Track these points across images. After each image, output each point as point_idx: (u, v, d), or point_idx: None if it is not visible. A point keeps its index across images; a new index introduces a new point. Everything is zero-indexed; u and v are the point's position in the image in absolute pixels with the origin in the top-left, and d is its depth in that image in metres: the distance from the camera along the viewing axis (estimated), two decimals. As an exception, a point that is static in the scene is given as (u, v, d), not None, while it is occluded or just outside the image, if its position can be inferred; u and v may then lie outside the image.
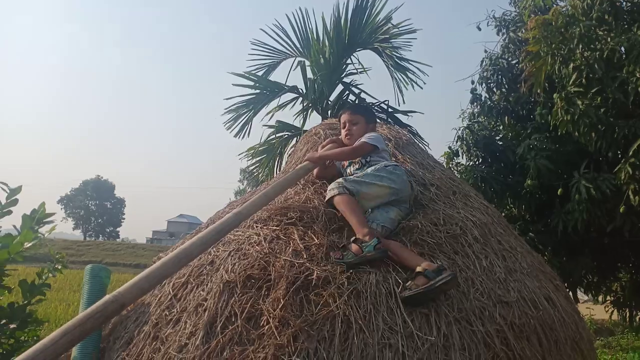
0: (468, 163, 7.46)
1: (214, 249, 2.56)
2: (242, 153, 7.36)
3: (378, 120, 3.96)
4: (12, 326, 2.87)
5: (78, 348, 2.37)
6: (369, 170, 2.76)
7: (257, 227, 2.64)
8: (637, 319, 8.17)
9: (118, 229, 79.93)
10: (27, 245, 2.92)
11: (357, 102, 6.85)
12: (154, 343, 2.24)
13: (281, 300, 2.16)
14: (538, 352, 2.24)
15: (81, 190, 76.94)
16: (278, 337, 2.04)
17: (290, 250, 2.43)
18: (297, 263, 2.33)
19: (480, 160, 7.31)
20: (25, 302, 2.98)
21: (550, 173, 6.12)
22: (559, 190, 5.99)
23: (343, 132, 3.21)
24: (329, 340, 2.05)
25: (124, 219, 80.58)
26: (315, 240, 2.52)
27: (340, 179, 2.70)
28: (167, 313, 2.33)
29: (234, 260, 2.41)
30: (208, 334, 2.12)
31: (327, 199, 2.67)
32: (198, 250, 2.23)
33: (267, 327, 2.09)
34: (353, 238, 2.40)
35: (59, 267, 3.22)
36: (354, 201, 2.58)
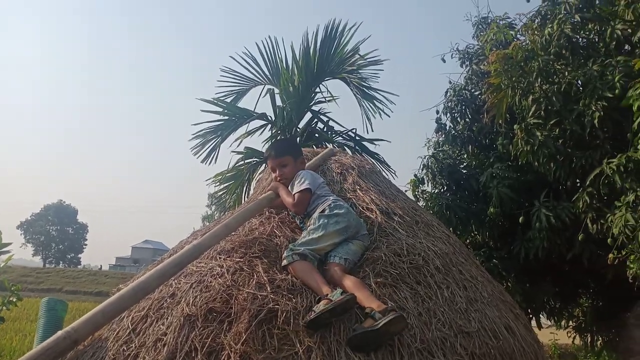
0: (433, 191, 7.57)
1: (175, 280, 2.52)
2: (209, 179, 7.31)
3: (337, 150, 3.99)
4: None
5: (30, 385, 2.27)
6: (311, 223, 2.72)
7: (220, 258, 2.61)
8: (599, 344, 8.35)
9: (80, 255, 77.59)
10: (-19, 276, 2.82)
11: (305, 132, 6.89)
12: (110, 380, 2.17)
13: (243, 334, 2.13)
14: (499, 383, 2.27)
15: (42, 215, 74.54)
16: (239, 373, 2.01)
17: (254, 282, 2.40)
18: (261, 296, 2.31)
19: (445, 188, 7.42)
20: (-23, 336, 2.86)
21: (511, 201, 6.26)
22: (521, 218, 6.12)
23: (274, 176, 3.15)
24: (291, 375, 2.03)
25: (86, 244, 78.37)
26: (280, 275, 2.50)
27: (290, 245, 2.64)
28: (125, 348, 2.27)
29: (196, 292, 2.38)
30: (167, 370, 2.07)
31: (282, 266, 2.59)
32: (156, 284, 2.19)
33: (228, 362, 2.06)
34: (317, 298, 2.32)
35: (14, 299, 3.11)
36: (306, 266, 2.50)
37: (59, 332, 1.80)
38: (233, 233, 2.83)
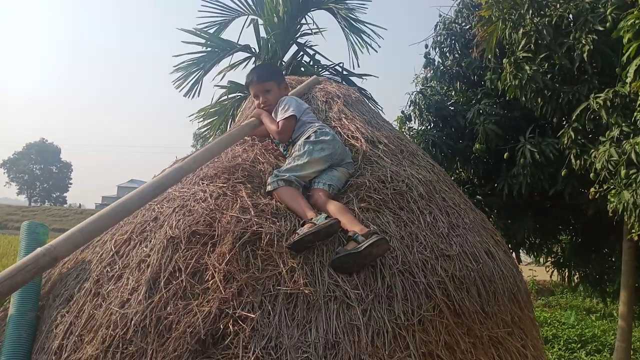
0: (420, 127, 7.53)
1: (158, 205, 2.50)
2: (192, 115, 7.20)
3: (322, 78, 3.90)
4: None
5: (15, 305, 2.28)
6: (295, 150, 2.68)
7: (203, 183, 2.59)
8: (575, 279, 8.62)
9: (65, 195, 77.48)
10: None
11: (290, 65, 6.74)
12: (95, 299, 2.19)
13: (227, 254, 2.14)
14: (477, 303, 2.33)
15: (25, 154, 73.70)
16: (223, 291, 2.03)
17: (238, 207, 2.39)
18: (244, 219, 2.31)
19: (431, 125, 7.36)
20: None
21: (497, 138, 6.24)
22: (505, 155, 6.14)
23: (257, 102, 3.06)
24: (275, 294, 2.06)
25: (71, 184, 78.10)
26: (264, 200, 2.49)
27: (275, 171, 2.61)
28: (109, 270, 2.27)
29: (179, 216, 2.37)
30: (151, 289, 2.09)
31: (266, 192, 2.57)
32: (136, 205, 2.17)
33: (212, 281, 2.08)
34: (302, 222, 2.32)
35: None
36: (292, 191, 2.48)
37: (38, 249, 1.79)
38: (215, 159, 2.80)
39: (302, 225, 2.28)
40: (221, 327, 1.94)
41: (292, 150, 2.73)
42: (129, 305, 2.06)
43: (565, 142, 5.29)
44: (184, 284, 2.08)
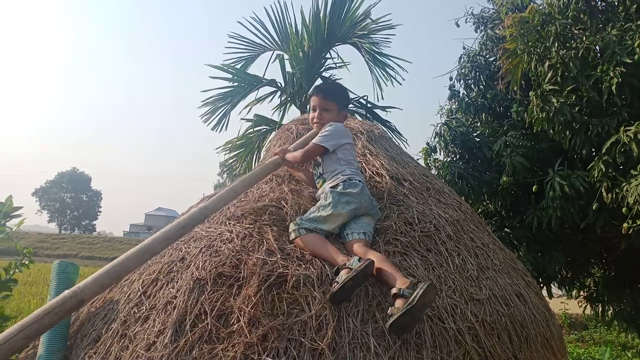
0: (445, 159, 7.47)
1: (185, 245, 2.52)
2: (219, 147, 7.31)
3: (351, 107, 3.88)
4: (-24, 323, 2.79)
5: (44, 345, 2.31)
6: (321, 197, 2.61)
7: (229, 224, 2.60)
8: (609, 314, 8.31)
9: (94, 222, 78.82)
10: (-6, 240, 2.85)
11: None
12: (122, 341, 2.20)
13: (252, 298, 2.13)
14: (509, 349, 2.26)
15: (56, 183, 75.56)
16: (248, 336, 2.01)
17: (264, 249, 2.39)
18: (270, 261, 2.30)
19: (457, 157, 7.30)
20: (-9, 298, 2.90)
21: (525, 170, 6.15)
22: (534, 187, 6.03)
23: (312, 114, 2.97)
24: (300, 340, 2.03)
25: (100, 212, 79.49)
26: (290, 244, 2.47)
27: (297, 219, 2.53)
28: (136, 310, 2.29)
29: (205, 257, 2.38)
30: (177, 332, 2.09)
31: (289, 240, 2.51)
32: (161, 245, 2.18)
33: (237, 325, 2.06)
34: (335, 269, 2.26)
35: (26, 262, 3.14)
36: (316, 238, 2.42)
37: (66, 292, 1.81)
38: (242, 198, 2.81)
39: (336, 272, 2.22)
40: (246, 373, 1.92)
41: (318, 194, 2.71)
42: (155, 349, 2.06)
43: (596, 175, 5.18)
44: (209, 327, 2.07)
